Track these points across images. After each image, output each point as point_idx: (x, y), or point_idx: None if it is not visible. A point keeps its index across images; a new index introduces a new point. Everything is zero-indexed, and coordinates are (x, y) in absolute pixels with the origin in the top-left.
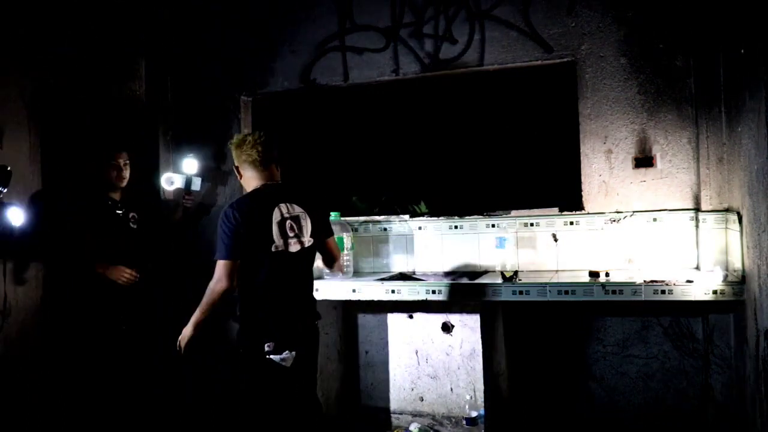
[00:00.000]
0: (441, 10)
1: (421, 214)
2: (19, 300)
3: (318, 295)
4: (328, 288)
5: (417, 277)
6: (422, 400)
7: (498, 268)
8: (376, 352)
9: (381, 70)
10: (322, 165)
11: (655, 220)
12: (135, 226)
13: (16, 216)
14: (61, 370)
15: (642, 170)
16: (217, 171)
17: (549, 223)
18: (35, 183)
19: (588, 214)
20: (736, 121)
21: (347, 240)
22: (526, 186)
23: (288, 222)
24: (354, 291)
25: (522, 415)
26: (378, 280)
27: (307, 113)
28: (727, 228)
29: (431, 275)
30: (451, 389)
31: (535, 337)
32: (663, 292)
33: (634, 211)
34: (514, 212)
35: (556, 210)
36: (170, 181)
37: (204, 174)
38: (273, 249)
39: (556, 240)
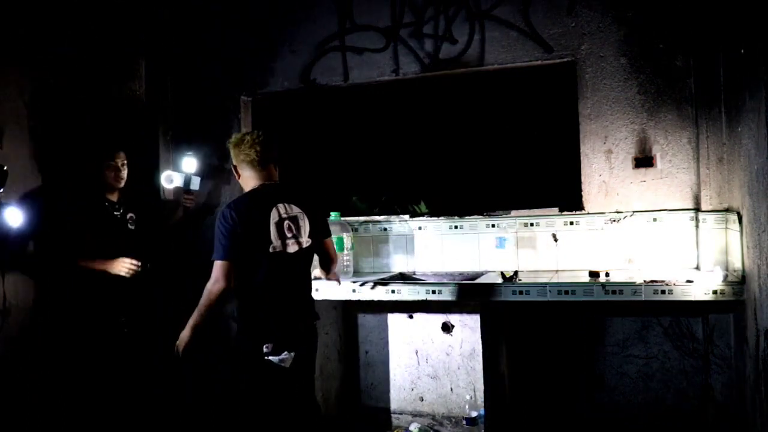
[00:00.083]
0: (441, 10)
1: (421, 214)
2: (20, 300)
3: (318, 295)
4: (328, 288)
5: (417, 277)
6: (422, 400)
7: (498, 268)
8: (376, 352)
9: (381, 70)
10: (322, 165)
11: (655, 220)
12: (133, 227)
13: (15, 216)
14: (61, 371)
15: (642, 170)
16: (218, 171)
17: (549, 223)
18: (34, 183)
19: (588, 214)
20: (736, 121)
21: (347, 240)
22: (526, 186)
23: (286, 222)
24: (354, 291)
25: (522, 415)
26: (378, 280)
27: (307, 113)
28: (727, 228)
29: (431, 275)
30: (451, 389)
31: (535, 337)
32: (663, 292)
33: (634, 211)
34: (514, 212)
35: (556, 210)
36: (170, 180)
37: (204, 174)
38: (271, 250)
39: (556, 240)
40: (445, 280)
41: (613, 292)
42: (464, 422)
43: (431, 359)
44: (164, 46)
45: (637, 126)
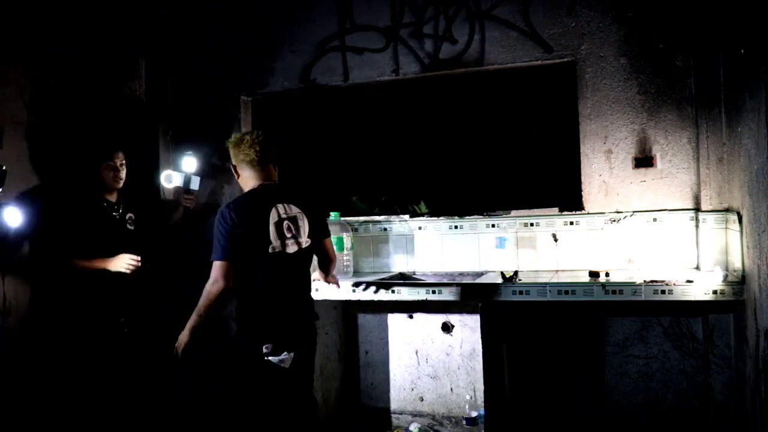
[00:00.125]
0: (441, 10)
1: (421, 214)
2: (20, 300)
3: (318, 295)
4: (328, 288)
5: (417, 277)
6: (422, 400)
7: (498, 268)
8: (376, 352)
9: (381, 70)
10: (322, 165)
11: (655, 220)
12: (132, 227)
13: (14, 216)
14: (61, 371)
15: (642, 170)
16: (218, 171)
17: (549, 223)
18: (34, 183)
19: (588, 214)
20: (736, 121)
21: (347, 240)
22: (526, 186)
23: (285, 222)
24: (354, 291)
25: (522, 415)
26: (378, 280)
27: (307, 113)
28: (727, 228)
29: (431, 275)
30: (451, 389)
31: (535, 337)
32: (663, 292)
33: (634, 211)
34: (514, 212)
35: (556, 210)
36: (169, 179)
37: (204, 174)
38: (270, 250)
39: (556, 240)
40: (445, 280)
41: (613, 292)
42: (464, 422)
43: (431, 359)
44: (164, 46)
45: (637, 126)
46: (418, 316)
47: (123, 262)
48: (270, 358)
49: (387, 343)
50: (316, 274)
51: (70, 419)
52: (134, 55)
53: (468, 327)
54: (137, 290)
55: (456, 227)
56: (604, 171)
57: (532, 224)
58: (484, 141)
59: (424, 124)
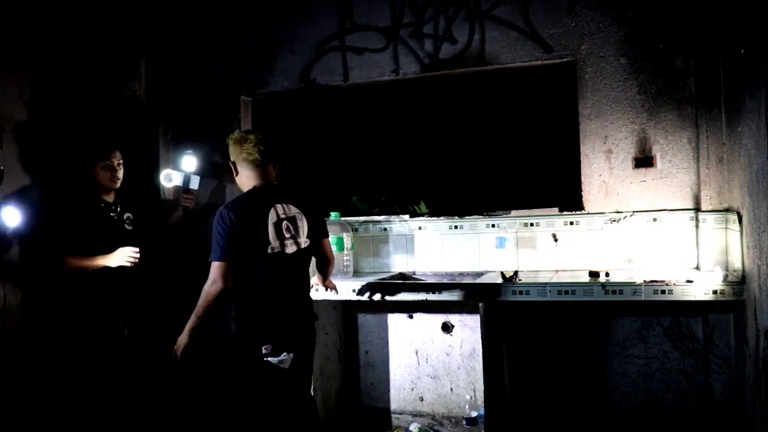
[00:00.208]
0: (441, 10)
1: (421, 214)
2: (20, 300)
3: (317, 295)
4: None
5: (417, 277)
6: (422, 400)
7: (498, 268)
8: (376, 352)
9: (381, 70)
10: (322, 165)
11: (655, 220)
12: (130, 228)
13: (13, 216)
14: (61, 371)
15: (642, 170)
16: (218, 171)
17: (549, 223)
18: (34, 183)
19: (588, 214)
20: (736, 121)
21: (347, 240)
22: (526, 186)
23: (284, 223)
24: (354, 291)
25: (522, 414)
26: (378, 280)
27: (307, 113)
28: (727, 228)
29: (431, 275)
30: (451, 389)
31: (535, 337)
32: (663, 292)
33: (634, 211)
34: (514, 212)
35: (556, 210)
36: (169, 178)
37: (204, 174)
38: (269, 250)
39: (556, 240)
40: (445, 280)
41: (613, 292)
42: (464, 422)
43: (431, 359)
44: (164, 46)
45: (637, 126)
46: (418, 316)
47: (123, 256)
48: (269, 358)
49: (387, 343)
50: (314, 279)
51: (70, 419)
52: (134, 55)
53: (468, 327)
54: (137, 291)
55: (456, 227)
56: (604, 171)
57: (532, 224)
58: (484, 141)
59: (424, 124)
